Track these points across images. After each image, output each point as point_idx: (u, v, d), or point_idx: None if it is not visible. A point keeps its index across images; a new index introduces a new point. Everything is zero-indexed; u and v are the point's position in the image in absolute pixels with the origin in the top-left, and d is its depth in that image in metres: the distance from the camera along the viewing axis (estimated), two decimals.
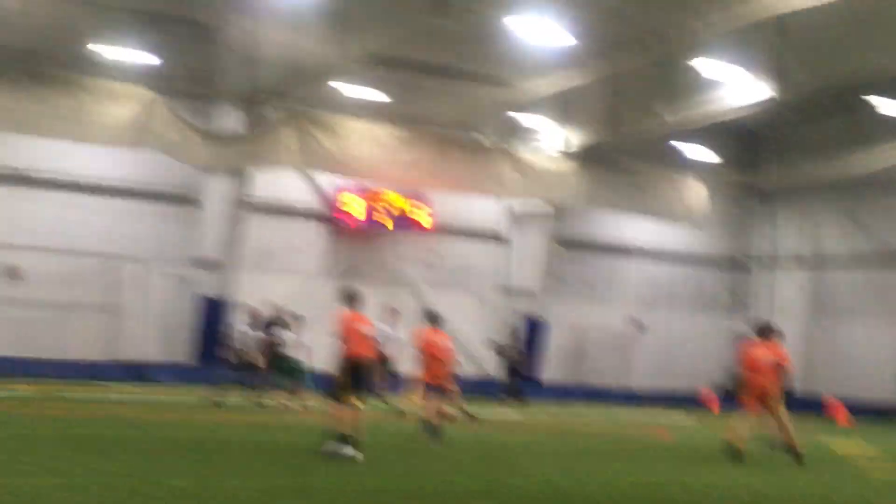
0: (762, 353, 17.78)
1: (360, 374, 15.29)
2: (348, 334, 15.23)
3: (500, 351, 33.43)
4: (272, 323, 29.20)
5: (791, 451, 17.67)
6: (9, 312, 30.24)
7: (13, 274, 30.25)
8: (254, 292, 31.70)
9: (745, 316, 42.07)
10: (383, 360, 26.41)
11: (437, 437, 18.43)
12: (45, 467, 12.29)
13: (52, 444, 14.68)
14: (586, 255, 39.21)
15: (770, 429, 18.83)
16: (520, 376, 33.35)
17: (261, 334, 24.66)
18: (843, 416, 30.92)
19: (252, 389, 24.51)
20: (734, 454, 17.37)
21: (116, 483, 11.44)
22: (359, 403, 15.31)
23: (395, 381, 26.51)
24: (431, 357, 18.95)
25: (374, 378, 15.38)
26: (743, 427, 17.64)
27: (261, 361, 24.29)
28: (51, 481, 11.27)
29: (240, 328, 24.63)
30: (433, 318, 19.62)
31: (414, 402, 23.41)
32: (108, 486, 11.23)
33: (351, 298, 15.70)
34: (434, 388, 19.03)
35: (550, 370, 37.90)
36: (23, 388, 25.28)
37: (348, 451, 14.73)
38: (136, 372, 31.48)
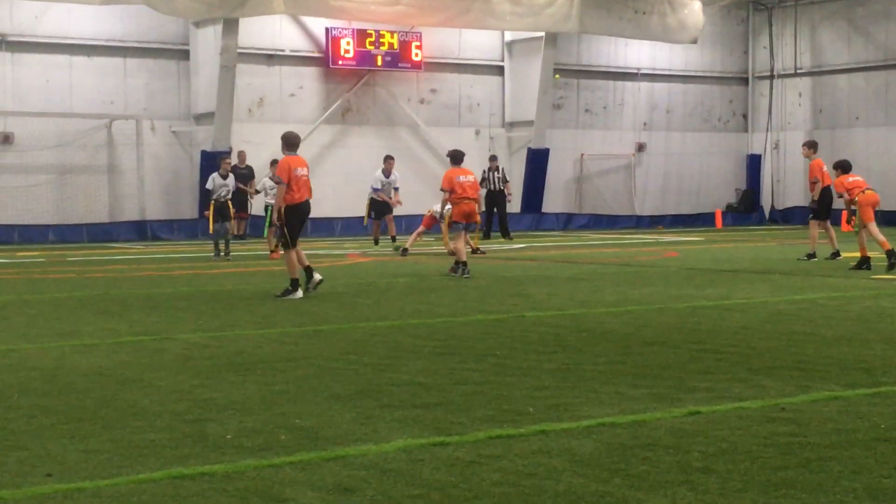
0: (856, 178, 19.99)
1: (305, 217, 15.85)
2: (290, 179, 15.42)
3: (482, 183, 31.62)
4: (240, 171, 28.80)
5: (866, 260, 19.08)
6: (6, 180, 30.00)
7: (6, 140, 29.90)
8: (250, 143, 31.41)
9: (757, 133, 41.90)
10: (379, 205, 26.26)
11: (467, 272, 18.40)
12: (57, 331, 12.23)
13: (62, 307, 14.63)
14: (584, 81, 38.69)
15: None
16: (498, 208, 31.13)
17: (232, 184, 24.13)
18: (845, 222, 30.87)
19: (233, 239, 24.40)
20: (890, 256, 18.62)
21: (129, 341, 11.38)
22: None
23: (387, 222, 26.40)
24: (458, 196, 19.09)
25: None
26: (880, 236, 18.97)
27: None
28: (65, 343, 11.20)
29: (218, 181, 23.88)
30: (456, 158, 19.66)
31: (421, 240, 23.43)
32: (120, 344, 11.18)
33: (290, 143, 15.80)
34: (463, 226, 19.23)
35: (553, 199, 37.75)
36: (27, 255, 25.25)
37: (298, 293, 15.36)
38: (140, 230, 31.44)
